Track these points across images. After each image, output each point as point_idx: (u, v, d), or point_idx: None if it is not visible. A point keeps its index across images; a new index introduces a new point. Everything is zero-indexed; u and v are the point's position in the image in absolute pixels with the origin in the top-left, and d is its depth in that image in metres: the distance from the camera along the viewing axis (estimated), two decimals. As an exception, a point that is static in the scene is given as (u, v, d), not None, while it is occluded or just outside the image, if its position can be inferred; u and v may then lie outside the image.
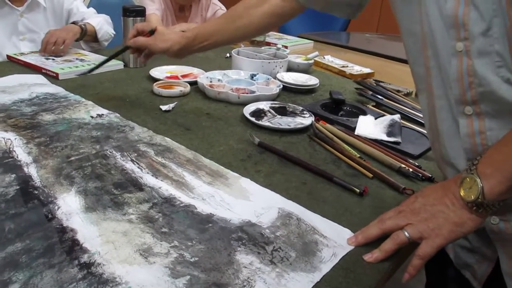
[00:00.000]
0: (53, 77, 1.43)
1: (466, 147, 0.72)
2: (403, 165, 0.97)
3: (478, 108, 0.68)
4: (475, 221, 0.65)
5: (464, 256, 0.84)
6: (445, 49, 0.69)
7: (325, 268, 0.65)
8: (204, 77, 1.45)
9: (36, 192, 0.78)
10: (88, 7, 1.99)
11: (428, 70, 0.75)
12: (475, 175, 0.63)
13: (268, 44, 2.16)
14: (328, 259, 0.67)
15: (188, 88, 1.38)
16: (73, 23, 1.72)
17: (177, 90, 1.36)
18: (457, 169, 0.77)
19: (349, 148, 1.04)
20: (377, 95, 1.40)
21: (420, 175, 0.94)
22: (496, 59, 0.64)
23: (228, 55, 1.87)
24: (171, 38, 1.13)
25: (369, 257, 0.68)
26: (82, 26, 1.72)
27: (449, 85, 0.70)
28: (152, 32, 1.16)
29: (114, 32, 1.91)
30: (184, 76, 1.52)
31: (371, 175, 0.94)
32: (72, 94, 1.28)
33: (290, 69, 1.67)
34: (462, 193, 0.65)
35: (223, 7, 2.26)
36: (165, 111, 1.21)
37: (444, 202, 0.67)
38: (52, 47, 1.59)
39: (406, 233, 0.67)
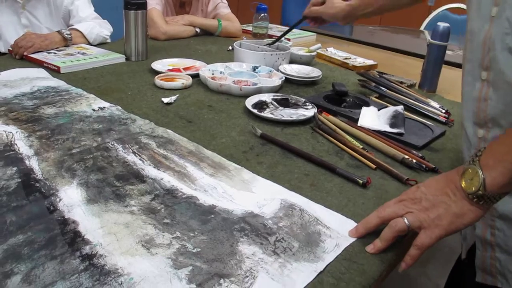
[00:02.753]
0: (54, 71, 1.43)
1: (473, 109, 0.75)
2: (406, 156, 0.96)
3: (489, 74, 0.71)
4: (476, 213, 0.64)
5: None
6: (484, 13, 0.72)
7: (328, 258, 0.65)
8: (206, 70, 1.44)
9: (37, 184, 0.78)
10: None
11: (467, 33, 0.78)
12: (477, 167, 0.63)
13: (271, 36, 2.15)
14: (331, 250, 0.66)
15: (190, 80, 1.38)
16: (58, 32, 1.68)
17: (179, 82, 1.35)
18: (466, 132, 0.80)
19: (352, 140, 1.03)
20: (380, 87, 1.39)
21: (424, 166, 0.94)
22: (505, 25, 0.66)
23: (230, 47, 1.87)
24: (338, 6, 1.35)
25: (371, 248, 0.68)
26: (66, 35, 1.67)
27: (477, 49, 0.73)
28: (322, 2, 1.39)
29: (109, 34, 1.87)
30: (186, 68, 1.52)
31: (374, 166, 0.93)
32: (73, 88, 1.27)
33: (292, 61, 1.66)
34: (463, 184, 0.64)
35: (224, 0, 2.25)
36: (167, 103, 1.21)
37: (446, 192, 0.66)
38: (19, 50, 1.54)
39: (406, 221, 0.66)
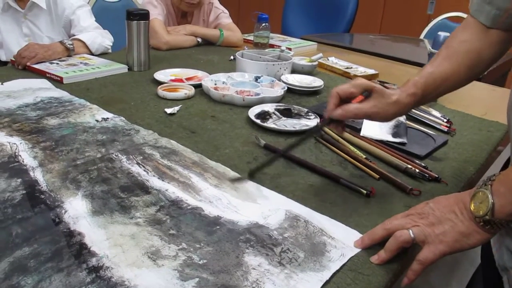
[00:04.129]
0: (57, 81, 1.43)
1: None
2: (409, 166, 0.96)
3: None
4: (482, 235, 0.64)
5: (506, 258, 0.83)
6: None
7: (334, 267, 0.65)
8: (208, 80, 1.45)
9: (42, 196, 0.78)
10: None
11: None
12: (488, 191, 0.63)
13: (272, 46, 2.16)
14: (336, 259, 0.67)
15: (192, 91, 1.38)
16: (60, 42, 1.68)
17: (181, 93, 1.36)
18: None
19: (355, 150, 1.04)
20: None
21: (427, 175, 0.94)
22: None
23: (232, 57, 1.87)
24: (400, 100, 0.81)
25: (375, 259, 0.68)
26: (68, 45, 1.68)
27: None
28: (367, 95, 0.82)
29: (110, 44, 1.88)
30: (188, 79, 1.52)
31: (377, 176, 0.93)
32: (76, 98, 1.28)
33: (294, 71, 1.67)
34: (472, 207, 0.64)
35: (226, 11, 2.26)
36: (170, 114, 1.21)
37: (453, 210, 0.66)
38: (22, 61, 1.55)
39: (411, 233, 0.66)
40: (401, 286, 0.69)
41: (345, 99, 0.82)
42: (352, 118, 0.81)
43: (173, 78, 1.52)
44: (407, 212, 0.71)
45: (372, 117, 0.82)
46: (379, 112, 0.81)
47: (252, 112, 1.20)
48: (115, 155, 0.95)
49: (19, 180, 0.83)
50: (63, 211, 0.74)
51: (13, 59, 1.59)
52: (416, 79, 0.84)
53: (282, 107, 1.26)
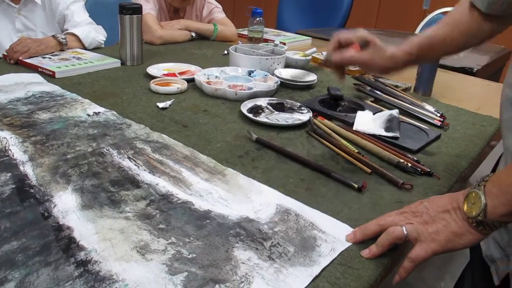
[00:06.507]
0: (49, 76, 1.42)
1: None
2: (401, 160, 0.96)
3: None
4: (475, 236, 0.64)
5: (493, 249, 0.84)
6: None
7: (324, 262, 0.65)
8: (201, 74, 1.44)
9: (32, 190, 0.77)
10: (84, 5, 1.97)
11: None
12: (481, 192, 0.63)
13: (266, 40, 2.16)
14: (327, 254, 0.66)
15: (185, 85, 1.37)
16: (53, 36, 1.68)
17: (174, 87, 1.35)
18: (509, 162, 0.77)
19: (348, 144, 1.03)
20: (375, 91, 1.39)
21: (419, 169, 0.94)
22: None
23: (225, 52, 1.87)
24: (395, 55, 0.91)
25: (366, 253, 0.68)
26: (61, 40, 1.67)
27: None
28: (364, 45, 0.92)
29: (104, 39, 1.88)
30: (181, 73, 1.52)
31: (369, 171, 0.93)
32: (68, 92, 1.27)
33: (288, 65, 1.66)
34: (465, 207, 0.64)
35: (219, 5, 2.25)
36: (162, 108, 1.21)
37: (447, 210, 0.66)
38: (14, 55, 1.54)
39: (404, 229, 0.66)
40: (392, 284, 0.69)
41: (344, 46, 0.92)
42: (348, 63, 0.95)
43: (166, 72, 1.51)
44: (401, 210, 0.71)
45: (368, 65, 0.92)
46: (376, 61, 0.91)
47: (245, 106, 1.20)
48: (106, 150, 0.94)
49: (9, 174, 0.82)
50: (52, 205, 0.74)
51: (5, 53, 1.58)
52: (412, 38, 0.90)
53: (275, 101, 1.26)
